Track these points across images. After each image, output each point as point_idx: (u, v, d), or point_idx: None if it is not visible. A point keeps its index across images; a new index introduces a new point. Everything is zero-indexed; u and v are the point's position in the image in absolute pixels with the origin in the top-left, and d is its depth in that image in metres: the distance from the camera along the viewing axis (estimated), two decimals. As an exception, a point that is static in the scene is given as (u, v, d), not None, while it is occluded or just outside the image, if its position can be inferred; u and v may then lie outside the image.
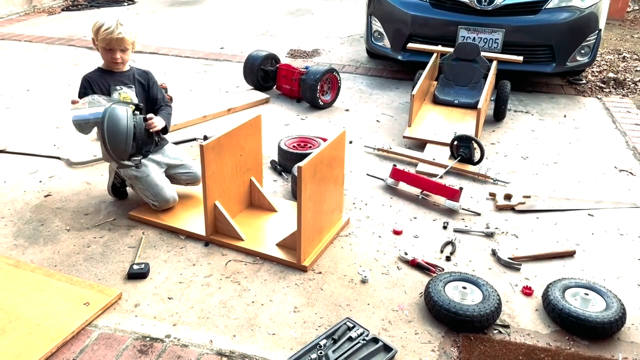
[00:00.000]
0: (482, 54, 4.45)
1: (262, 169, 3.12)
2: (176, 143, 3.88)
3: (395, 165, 3.40)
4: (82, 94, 2.89)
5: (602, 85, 5.45)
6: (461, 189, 3.15)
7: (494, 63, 4.44)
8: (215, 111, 4.39)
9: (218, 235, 2.80)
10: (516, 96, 5.05)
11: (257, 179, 3.07)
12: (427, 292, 2.40)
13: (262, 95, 4.76)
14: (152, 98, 3.04)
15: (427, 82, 4.47)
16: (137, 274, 2.51)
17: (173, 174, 3.10)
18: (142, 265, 2.54)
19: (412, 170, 3.63)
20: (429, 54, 4.67)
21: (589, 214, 3.20)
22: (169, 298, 2.41)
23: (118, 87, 2.94)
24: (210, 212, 2.75)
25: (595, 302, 2.38)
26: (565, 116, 4.66)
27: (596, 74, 5.75)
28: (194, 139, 3.96)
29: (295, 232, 2.58)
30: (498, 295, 2.38)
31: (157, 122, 2.88)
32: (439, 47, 4.65)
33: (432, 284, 2.42)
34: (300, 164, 2.41)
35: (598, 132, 4.36)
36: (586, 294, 2.38)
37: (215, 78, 5.33)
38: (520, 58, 4.42)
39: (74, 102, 2.72)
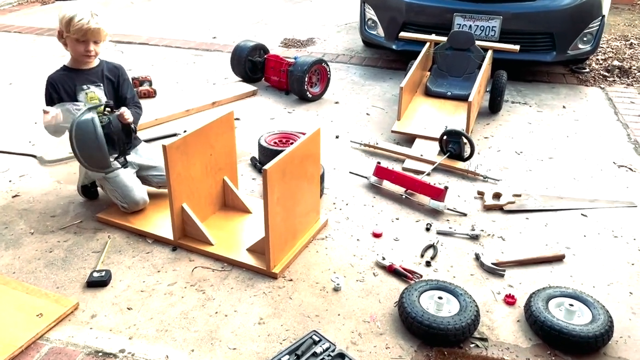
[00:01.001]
0: (477, 43, 4.26)
1: (237, 167, 2.98)
2: (155, 139, 3.75)
3: (379, 163, 3.24)
4: (48, 97, 2.76)
5: (606, 74, 5.23)
6: (446, 188, 2.99)
7: (489, 52, 4.24)
8: (199, 105, 4.24)
9: (186, 239, 2.67)
10: (514, 86, 4.85)
11: (231, 178, 2.93)
12: (400, 303, 2.25)
13: (249, 88, 4.61)
14: (121, 97, 2.89)
15: (419, 73, 4.29)
16: (96, 282, 2.39)
17: (145, 176, 2.97)
18: (103, 273, 2.42)
19: (399, 167, 3.48)
20: (425, 43, 4.48)
21: (582, 214, 3.03)
22: (128, 308, 2.29)
23: (85, 87, 2.79)
24: (178, 215, 2.62)
25: (580, 314, 2.22)
26: (564, 107, 4.47)
27: (601, 62, 5.52)
28: (174, 135, 3.82)
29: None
30: (476, 305, 2.23)
31: (128, 114, 2.73)
32: (432, 36, 4.46)
33: (407, 293, 2.27)
34: (265, 166, 2.26)
35: (598, 125, 4.16)
36: (571, 305, 2.22)
37: (203, 69, 5.18)
38: (517, 47, 4.22)
39: (45, 113, 2.57)
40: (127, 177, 2.83)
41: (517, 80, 4.96)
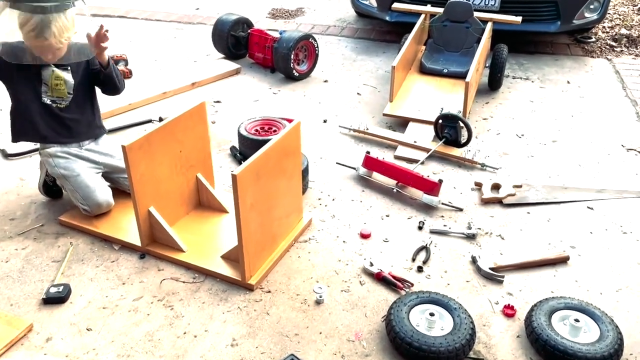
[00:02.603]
0: (476, 14, 3.94)
1: (212, 163, 2.73)
2: (129, 126, 3.49)
3: (368, 153, 2.99)
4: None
5: (614, 43, 4.91)
6: (440, 181, 2.75)
7: (489, 25, 3.93)
8: (177, 86, 3.95)
9: (155, 245, 2.44)
10: (516, 59, 4.55)
11: (206, 174, 2.68)
12: (388, 319, 2.03)
13: (232, 66, 4.31)
14: (93, 68, 2.62)
15: (413, 48, 3.98)
16: (54, 299, 2.17)
17: (115, 179, 2.70)
18: (61, 288, 2.20)
19: (391, 154, 3.23)
20: (420, 14, 4.16)
21: (588, 207, 2.79)
22: (88, 329, 2.07)
23: (52, 65, 2.51)
24: (144, 220, 2.38)
25: (587, 329, 2.01)
26: (569, 82, 4.18)
27: (607, 29, 5.20)
28: (149, 121, 3.55)
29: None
30: (472, 322, 2.02)
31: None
32: (428, 7, 4.14)
33: (395, 308, 2.05)
34: (235, 171, 2.01)
35: (605, 102, 3.88)
36: (576, 320, 2.01)
37: (184, 45, 4.86)
38: (519, 19, 3.91)
39: None
40: (88, 176, 2.57)
41: (519, 52, 4.65)
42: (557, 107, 3.82)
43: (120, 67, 4.16)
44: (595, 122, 3.61)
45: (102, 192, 2.57)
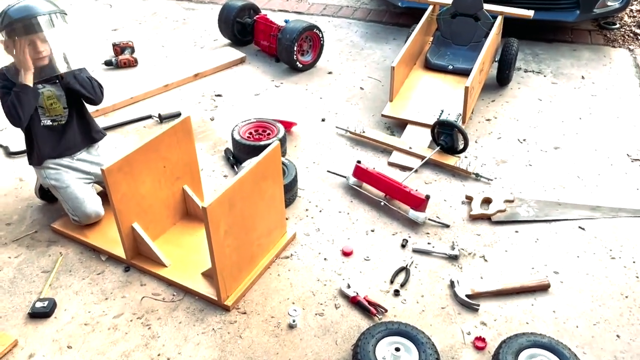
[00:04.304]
0: (487, 6, 3.79)
1: (199, 174, 2.75)
2: (128, 122, 3.52)
3: (358, 162, 2.96)
4: (2, 93, 2.50)
5: (638, 31, 4.67)
6: (427, 197, 2.72)
7: (499, 18, 3.78)
8: (179, 78, 3.95)
9: (140, 258, 2.50)
10: (531, 48, 4.38)
11: (193, 185, 2.71)
12: (355, 352, 2.07)
13: (237, 55, 4.27)
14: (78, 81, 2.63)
15: (418, 41, 3.87)
16: (39, 314, 2.27)
17: None
18: (46, 303, 2.29)
19: (386, 159, 3.20)
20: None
21: (579, 227, 2.74)
22: (68, 347, 2.17)
23: (40, 86, 2.53)
24: (128, 235, 2.44)
25: (553, 370, 2.01)
26: (583, 78, 4.02)
27: (635, 13, 4.94)
28: (149, 117, 3.58)
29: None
30: (437, 358, 2.04)
31: None
32: (437, -2, 4.00)
33: (363, 340, 2.08)
34: (205, 203, 2.03)
35: (618, 101, 3.73)
36: (543, 361, 2.01)
37: (193, 28, 4.82)
38: (531, 13, 3.74)
39: None
40: (78, 188, 2.63)
41: (536, 40, 4.47)
42: (566, 107, 3.69)
43: (126, 55, 4.17)
44: (603, 126, 3.49)
45: (92, 204, 2.63)
